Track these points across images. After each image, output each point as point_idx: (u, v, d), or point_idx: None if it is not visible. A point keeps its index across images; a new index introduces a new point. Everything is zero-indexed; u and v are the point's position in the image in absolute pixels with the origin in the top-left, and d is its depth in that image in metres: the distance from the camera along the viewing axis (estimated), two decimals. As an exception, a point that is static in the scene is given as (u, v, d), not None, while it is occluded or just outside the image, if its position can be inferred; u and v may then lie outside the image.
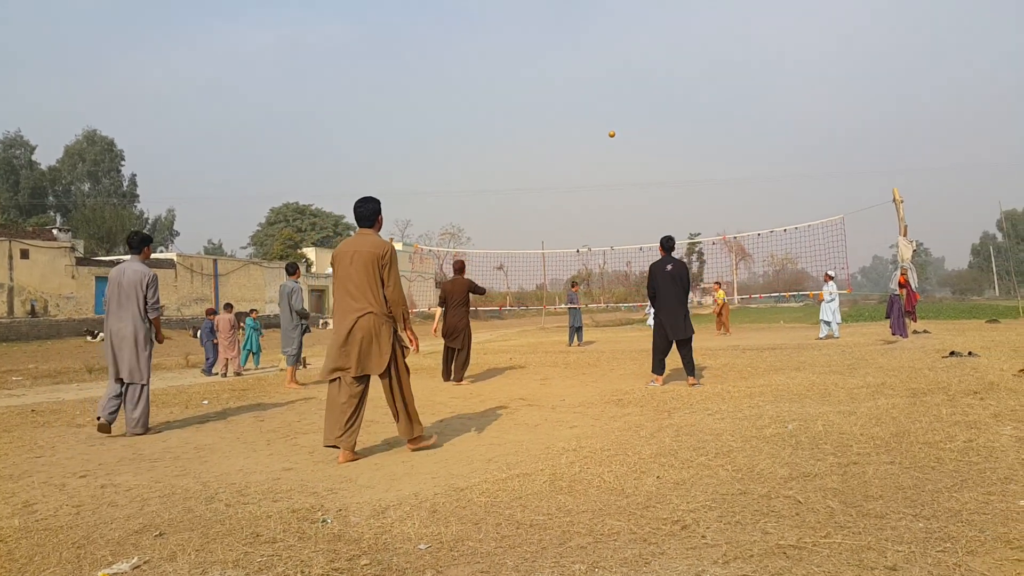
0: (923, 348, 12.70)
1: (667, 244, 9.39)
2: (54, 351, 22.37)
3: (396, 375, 5.52)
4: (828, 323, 18.16)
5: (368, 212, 5.59)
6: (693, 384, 8.67)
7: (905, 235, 15.19)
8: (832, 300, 18.01)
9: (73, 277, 33.12)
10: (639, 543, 3.20)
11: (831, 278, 18.56)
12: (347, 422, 5.34)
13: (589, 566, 2.94)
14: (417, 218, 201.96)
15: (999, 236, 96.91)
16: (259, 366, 14.56)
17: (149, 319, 6.94)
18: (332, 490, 4.47)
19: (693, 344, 9.09)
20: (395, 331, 5.51)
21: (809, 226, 17.30)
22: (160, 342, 7.22)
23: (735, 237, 23.63)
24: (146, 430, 6.86)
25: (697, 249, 66.28)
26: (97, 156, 70.65)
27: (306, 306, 10.92)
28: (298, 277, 11.48)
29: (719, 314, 23.06)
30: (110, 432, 6.76)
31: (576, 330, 19.51)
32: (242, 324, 14.64)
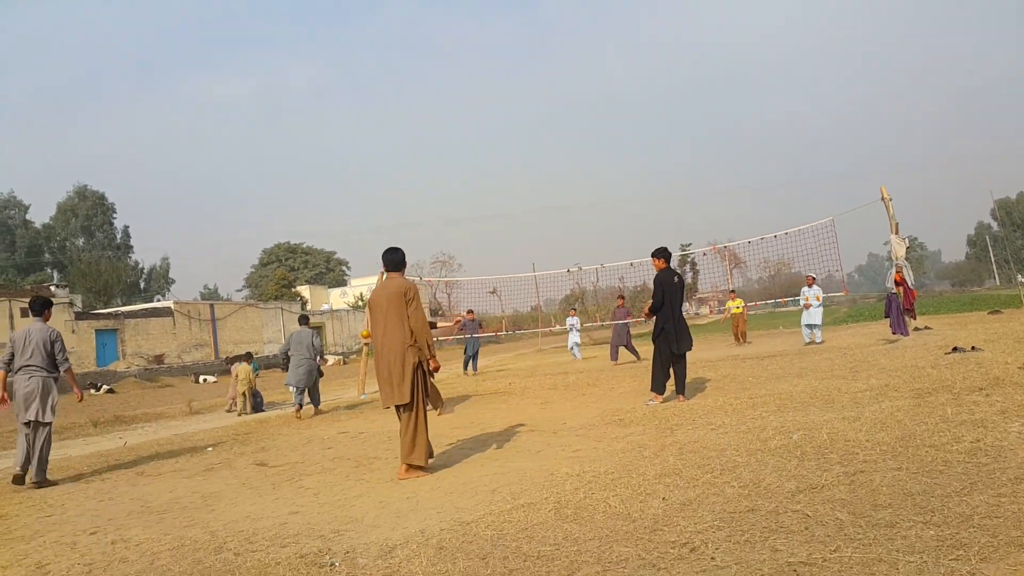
0: (925, 346, 12.68)
1: (667, 255, 9.18)
2: (59, 407, 22.23)
3: (414, 405, 6.12)
4: (814, 327, 17.92)
5: (396, 260, 6.52)
6: (683, 402, 8.59)
7: (897, 232, 15.22)
8: (820, 304, 17.86)
9: (73, 332, 33.00)
10: (648, 569, 3.16)
11: (815, 280, 18.17)
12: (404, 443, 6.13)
13: (599, 597, 2.90)
14: (408, 248, 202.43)
15: (994, 225, 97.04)
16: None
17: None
18: (338, 532, 4.44)
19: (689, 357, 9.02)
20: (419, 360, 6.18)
21: (799, 230, 17.22)
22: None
23: (726, 246, 23.37)
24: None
25: (690, 259, 66.12)
26: (89, 211, 70.79)
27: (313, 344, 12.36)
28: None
29: (738, 324, 21.58)
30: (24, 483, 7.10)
31: (471, 358, 19.67)
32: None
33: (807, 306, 17.83)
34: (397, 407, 6.16)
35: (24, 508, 6.23)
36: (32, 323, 7.55)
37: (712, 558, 3.20)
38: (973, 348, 10.85)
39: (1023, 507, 3.40)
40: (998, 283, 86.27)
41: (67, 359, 7.53)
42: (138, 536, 4.83)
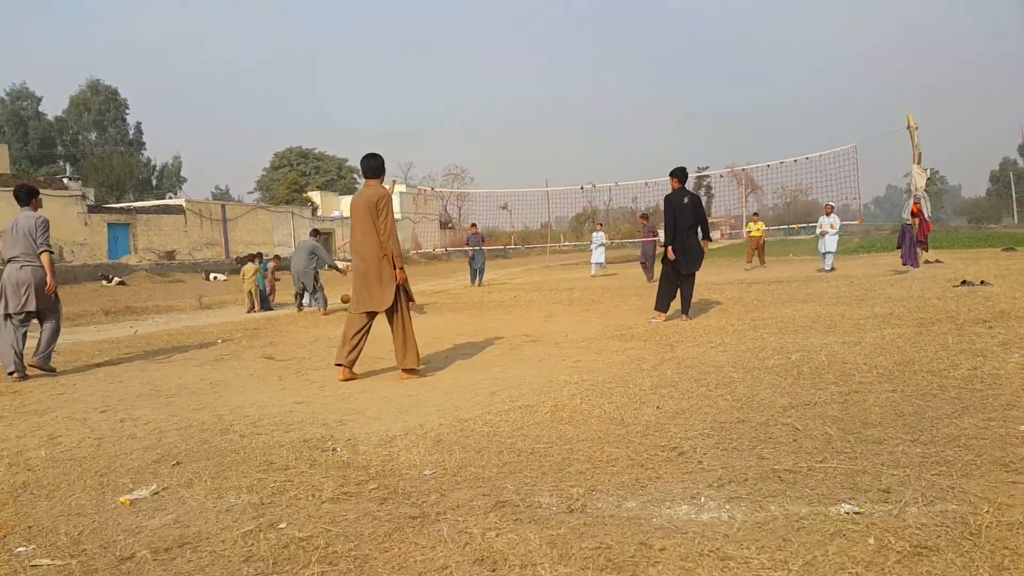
0: (933, 278, 12.65)
1: (681, 175, 9.10)
2: (71, 296, 22.48)
3: (399, 310, 6.12)
4: (828, 254, 17.95)
5: (373, 166, 6.24)
6: (686, 322, 8.64)
7: (919, 163, 14.97)
8: (835, 232, 17.81)
9: (86, 224, 33.18)
10: (636, 468, 3.26)
11: (833, 209, 18.16)
12: (354, 346, 6.11)
13: (587, 489, 3.00)
14: (420, 160, 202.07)
15: (1020, 161, 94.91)
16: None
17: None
18: (341, 422, 4.57)
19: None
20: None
21: (820, 156, 16.91)
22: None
23: (744, 169, 22.97)
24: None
25: (705, 183, 65.17)
26: (102, 106, 69.93)
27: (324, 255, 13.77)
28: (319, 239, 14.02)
29: (758, 247, 22.12)
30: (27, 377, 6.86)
31: (477, 271, 20.00)
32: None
33: (823, 234, 17.77)
34: (370, 312, 6.11)
35: (37, 386, 6.43)
36: (20, 213, 7.17)
37: (699, 462, 3.28)
38: (982, 282, 10.82)
39: (1010, 431, 3.46)
40: (1016, 221, 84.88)
41: (47, 243, 7.08)
42: (146, 416, 4.99)
